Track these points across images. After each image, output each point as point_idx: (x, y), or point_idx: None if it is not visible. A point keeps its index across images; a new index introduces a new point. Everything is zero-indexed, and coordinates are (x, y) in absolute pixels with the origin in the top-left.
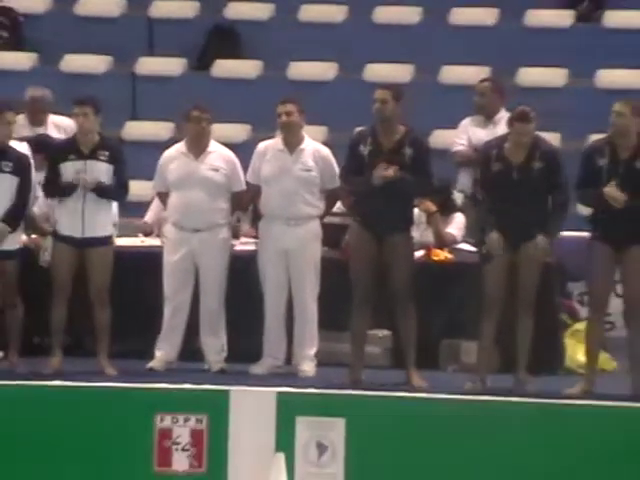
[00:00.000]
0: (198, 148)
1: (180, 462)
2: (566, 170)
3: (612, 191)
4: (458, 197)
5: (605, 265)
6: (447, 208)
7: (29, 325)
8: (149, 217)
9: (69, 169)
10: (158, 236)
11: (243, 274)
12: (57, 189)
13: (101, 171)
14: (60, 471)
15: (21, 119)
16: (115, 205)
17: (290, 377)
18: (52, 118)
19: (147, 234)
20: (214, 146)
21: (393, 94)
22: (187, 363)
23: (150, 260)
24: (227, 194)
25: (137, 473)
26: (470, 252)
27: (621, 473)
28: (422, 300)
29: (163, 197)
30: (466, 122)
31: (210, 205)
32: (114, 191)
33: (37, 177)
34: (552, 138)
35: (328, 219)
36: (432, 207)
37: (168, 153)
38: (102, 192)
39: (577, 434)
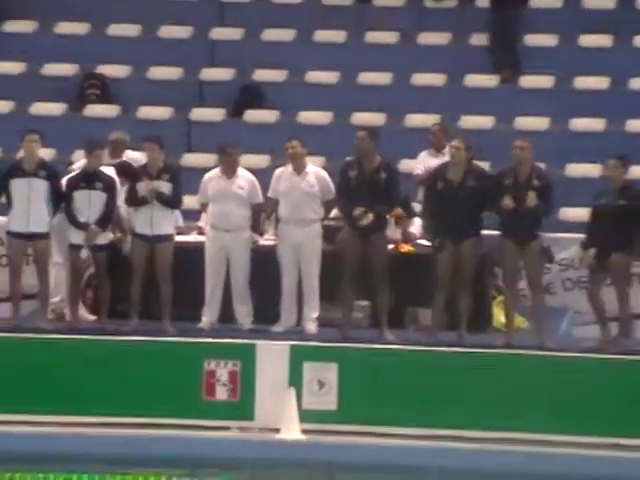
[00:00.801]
0: (230, 172)
1: (221, 393)
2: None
3: (508, 200)
4: (416, 206)
5: (511, 256)
6: (409, 214)
7: (114, 297)
8: (203, 222)
9: (142, 187)
10: (200, 233)
11: (267, 261)
12: (135, 201)
13: (163, 188)
14: (142, 398)
15: (106, 153)
16: (178, 213)
17: (299, 334)
18: (127, 152)
19: (200, 234)
20: (241, 171)
21: (370, 133)
22: (225, 324)
23: (199, 251)
24: (249, 205)
25: (192, 400)
26: (425, 246)
27: (530, 404)
28: (392, 280)
29: (204, 207)
30: (423, 154)
31: (237, 213)
32: (172, 201)
33: (121, 192)
34: (483, 165)
35: (326, 222)
36: (400, 213)
37: (208, 175)
38: (163, 201)
39: (501, 376)
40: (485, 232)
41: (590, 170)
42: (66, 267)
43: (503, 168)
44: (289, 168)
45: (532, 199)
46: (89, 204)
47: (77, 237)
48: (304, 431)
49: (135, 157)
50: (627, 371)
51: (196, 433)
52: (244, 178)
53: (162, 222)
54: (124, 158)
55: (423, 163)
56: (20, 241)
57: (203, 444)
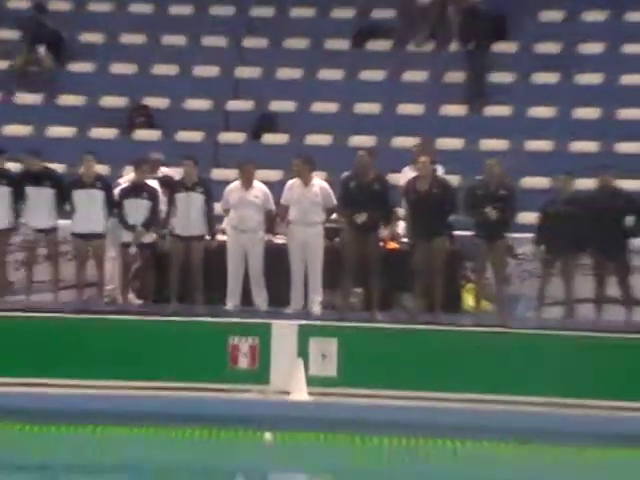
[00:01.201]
0: (247, 184)
1: (243, 363)
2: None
3: (490, 211)
4: (401, 211)
5: (482, 252)
6: (396, 217)
7: (157, 285)
8: (225, 224)
9: (180, 197)
10: (223, 233)
11: (279, 256)
12: (173, 209)
13: (198, 198)
14: (181, 367)
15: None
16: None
17: (306, 315)
18: (162, 169)
19: (223, 234)
20: (256, 183)
21: (368, 153)
22: (245, 307)
23: (223, 248)
24: (263, 211)
25: (220, 369)
26: (407, 243)
27: (493, 371)
28: (382, 271)
29: (227, 212)
30: (406, 169)
31: (253, 217)
32: (205, 207)
33: (163, 200)
34: (454, 178)
35: (327, 224)
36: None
37: (229, 187)
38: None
39: (469, 349)
40: (457, 232)
41: (541, 182)
42: (118, 261)
43: (475, 181)
44: (298, 181)
45: (492, 214)
46: (137, 210)
47: (127, 237)
48: (310, 393)
49: (168, 172)
50: (570, 345)
51: (223, 395)
52: (259, 189)
53: (195, 225)
54: (159, 174)
55: (406, 176)
56: (82, 240)
57: (229, 404)
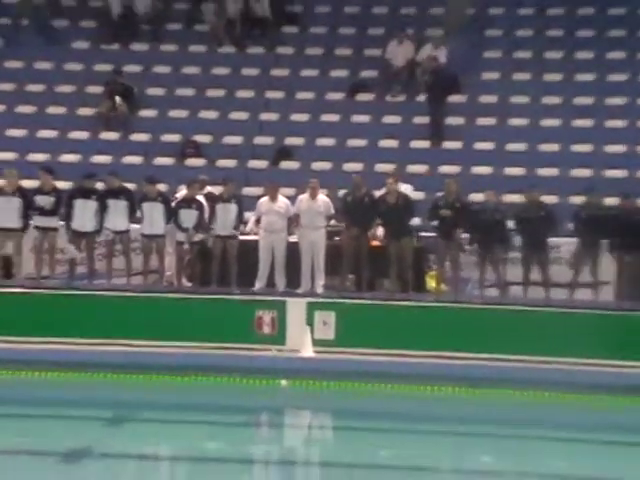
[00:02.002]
0: (273, 198)
1: (266, 329)
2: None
3: (444, 211)
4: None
5: (442, 247)
6: (376, 224)
7: (202, 271)
8: (249, 228)
9: (219, 207)
10: (255, 234)
11: (294, 250)
12: (215, 216)
13: (233, 208)
14: (220, 332)
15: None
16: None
17: (312, 294)
18: (207, 187)
19: (255, 234)
20: (280, 197)
21: (361, 177)
22: (268, 288)
23: (254, 244)
24: (285, 218)
25: (249, 333)
26: (385, 242)
27: (447, 333)
28: (368, 262)
29: (259, 219)
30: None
31: (278, 222)
32: (238, 215)
33: (207, 210)
34: (420, 194)
35: (328, 228)
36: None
37: (260, 200)
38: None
39: (431, 318)
40: (423, 234)
41: (479, 197)
42: (174, 255)
43: (437, 196)
44: (307, 195)
45: (446, 213)
46: (188, 217)
47: (181, 237)
48: (315, 351)
49: (211, 190)
50: (502, 315)
51: (250, 353)
52: (283, 201)
53: (230, 226)
54: (205, 191)
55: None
56: (148, 239)
57: (254, 360)
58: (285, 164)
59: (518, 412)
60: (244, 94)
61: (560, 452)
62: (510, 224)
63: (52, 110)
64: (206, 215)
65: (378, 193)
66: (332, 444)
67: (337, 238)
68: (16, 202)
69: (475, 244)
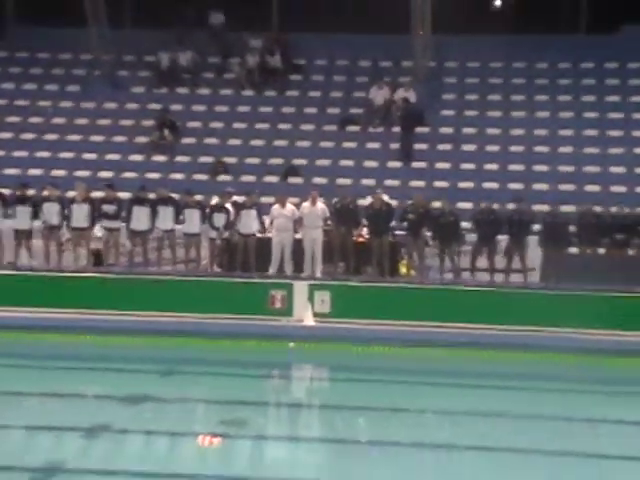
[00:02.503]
0: (283, 205)
1: (277, 305)
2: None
3: (410, 216)
4: (364, 221)
5: (411, 243)
6: (362, 225)
7: (229, 260)
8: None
9: (243, 212)
10: (269, 232)
11: (299, 244)
12: (239, 219)
13: (253, 213)
14: (242, 305)
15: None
16: (258, 223)
17: (312, 278)
18: (234, 197)
19: (270, 233)
20: (288, 204)
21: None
22: (279, 274)
23: (268, 240)
24: (292, 220)
25: (263, 308)
26: (368, 238)
27: (415, 308)
28: (355, 254)
29: (272, 221)
30: (369, 197)
31: (287, 224)
32: (257, 218)
33: (232, 214)
34: (394, 203)
35: (325, 228)
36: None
37: (273, 207)
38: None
39: (403, 296)
40: (397, 232)
41: (438, 205)
42: (209, 247)
43: (407, 204)
44: (309, 203)
45: (412, 217)
46: (219, 219)
47: (213, 234)
48: (315, 321)
49: (237, 199)
50: (456, 294)
51: (266, 323)
52: (289, 208)
53: (250, 227)
54: (232, 199)
55: (367, 201)
56: (188, 236)
57: (269, 327)
58: (292, 179)
59: (459, 365)
60: (261, 126)
61: (491, 391)
62: (463, 225)
63: (116, 139)
64: (232, 218)
65: (365, 201)
66: (327, 389)
67: (331, 236)
68: (85, 208)
69: (435, 240)
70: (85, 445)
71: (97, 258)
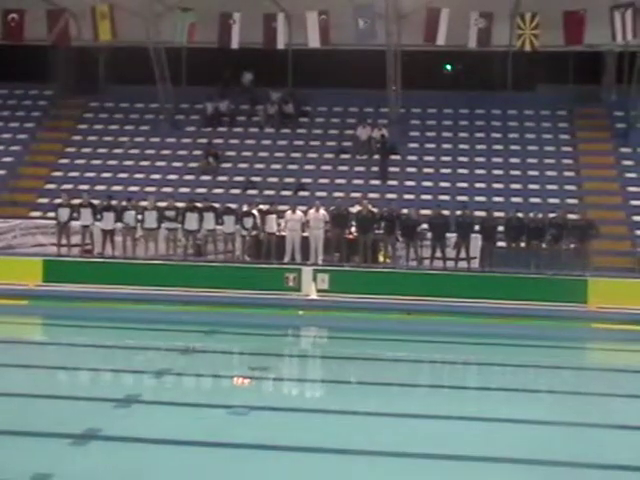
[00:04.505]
0: (294, 212)
1: (289, 284)
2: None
3: (384, 223)
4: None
5: (387, 239)
6: (352, 226)
7: (256, 252)
8: (282, 228)
9: (268, 217)
10: (284, 232)
11: (305, 241)
12: (264, 221)
13: (273, 217)
14: (266, 284)
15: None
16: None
17: (316, 265)
18: (259, 206)
19: (284, 232)
20: (297, 211)
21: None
22: (291, 262)
23: (283, 238)
24: (300, 222)
25: (281, 285)
26: (356, 236)
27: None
28: (347, 247)
29: (286, 224)
30: (357, 206)
31: (297, 225)
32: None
33: (258, 217)
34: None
35: (325, 228)
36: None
37: (286, 212)
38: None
39: (384, 280)
40: (376, 232)
41: (405, 211)
42: (240, 243)
43: (383, 210)
44: (313, 210)
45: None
46: (248, 222)
47: (243, 233)
48: (318, 296)
49: (262, 207)
50: (419, 277)
51: (282, 296)
52: (299, 213)
53: (272, 227)
54: (258, 207)
55: (355, 209)
56: (226, 234)
57: (285, 299)
58: (301, 193)
59: (419, 326)
60: (279, 154)
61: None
62: (424, 226)
63: (175, 164)
64: (257, 221)
65: (354, 209)
66: (326, 342)
67: (329, 234)
68: (153, 214)
69: (404, 237)
70: (154, 383)
71: (198, 250)
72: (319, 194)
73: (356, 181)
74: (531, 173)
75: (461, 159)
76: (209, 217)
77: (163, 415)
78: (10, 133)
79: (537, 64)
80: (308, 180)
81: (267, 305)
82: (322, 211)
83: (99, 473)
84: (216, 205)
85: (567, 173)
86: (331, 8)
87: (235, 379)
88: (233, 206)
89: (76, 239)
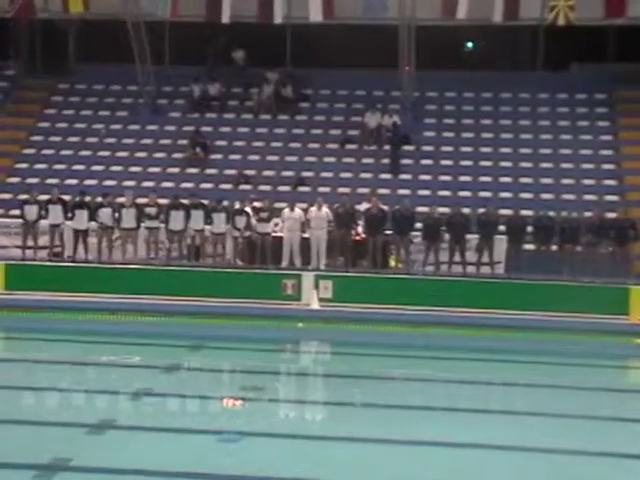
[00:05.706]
0: (292, 210)
1: (289, 291)
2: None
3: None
4: (361, 222)
5: (397, 241)
6: (358, 226)
7: (249, 255)
8: (278, 228)
9: (261, 214)
10: (281, 232)
11: (306, 242)
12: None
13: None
14: (262, 292)
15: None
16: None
17: (318, 270)
18: (254, 203)
19: (281, 232)
20: (296, 209)
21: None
22: (290, 266)
23: (281, 238)
24: (300, 222)
25: (278, 294)
26: (364, 237)
27: (405, 296)
28: (353, 250)
29: (284, 223)
30: (364, 203)
31: (295, 225)
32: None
33: (252, 216)
34: (385, 207)
35: (328, 228)
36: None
37: (284, 211)
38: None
39: (394, 287)
40: (388, 232)
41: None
42: (232, 245)
43: (395, 208)
44: (315, 208)
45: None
46: (240, 221)
47: (236, 233)
48: (320, 305)
49: (257, 204)
50: (437, 283)
51: (279, 306)
52: (298, 211)
53: (267, 228)
54: (253, 204)
55: (364, 207)
56: (216, 235)
57: (283, 309)
58: (301, 188)
59: (433, 340)
60: (276, 144)
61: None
62: (442, 226)
63: (157, 155)
64: (251, 220)
65: (361, 206)
66: (329, 359)
67: (332, 235)
68: (132, 212)
69: (425, 239)
70: (132, 406)
71: (196, 253)
72: (321, 189)
73: (364, 175)
74: (564, 166)
75: (484, 150)
76: (196, 215)
77: (142, 443)
78: None
79: (572, 40)
80: (309, 174)
81: (262, 316)
82: (325, 209)
83: None
84: (204, 202)
85: (606, 166)
86: None
87: (225, 401)
88: (224, 203)
89: (44, 240)
